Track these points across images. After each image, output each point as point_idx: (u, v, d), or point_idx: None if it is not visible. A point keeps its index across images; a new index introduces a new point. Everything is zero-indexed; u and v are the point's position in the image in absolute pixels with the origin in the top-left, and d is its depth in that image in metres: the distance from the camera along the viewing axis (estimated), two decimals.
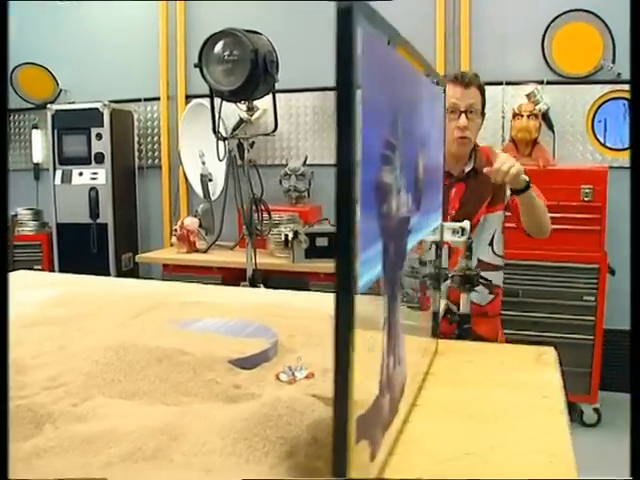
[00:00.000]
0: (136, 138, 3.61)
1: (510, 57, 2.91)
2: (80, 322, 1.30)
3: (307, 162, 3.24)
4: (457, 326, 1.37)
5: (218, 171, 3.19)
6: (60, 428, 0.77)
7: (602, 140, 2.90)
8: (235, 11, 3.32)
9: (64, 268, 3.28)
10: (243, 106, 2.86)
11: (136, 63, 3.59)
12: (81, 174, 3.29)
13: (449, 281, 1.43)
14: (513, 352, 1.19)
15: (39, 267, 3.39)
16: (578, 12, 2.80)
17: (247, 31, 2.43)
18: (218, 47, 2.59)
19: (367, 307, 0.62)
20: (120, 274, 3.34)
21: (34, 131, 3.83)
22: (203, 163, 3.12)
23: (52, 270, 3.37)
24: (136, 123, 3.61)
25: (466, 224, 1.19)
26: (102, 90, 3.52)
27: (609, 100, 2.85)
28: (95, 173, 3.30)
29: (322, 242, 2.79)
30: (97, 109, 3.30)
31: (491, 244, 1.69)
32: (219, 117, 2.73)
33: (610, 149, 2.90)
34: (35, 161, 3.83)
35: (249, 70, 2.26)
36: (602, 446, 2.55)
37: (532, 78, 2.89)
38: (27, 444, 0.73)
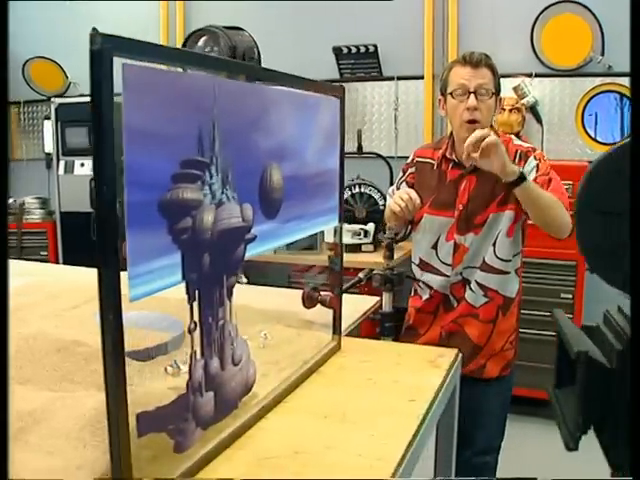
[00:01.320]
0: None
1: (498, 49, 2.85)
2: (25, 311, 1.40)
3: None
4: (379, 324, 1.40)
5: None
6: None
7: (592, 134, 2.83)
8: (235, 5, 3.37)
9: (67, 255, 3.45)
10: None
11: None
12: (83, 165, 3.43)
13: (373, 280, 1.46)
14: (414, 353, 1.21)
15: (45, 253, 3.57)
16: (567, 4, 2.72)
17: (229, 28, 2.47)
18: (199, 45, 2.66)
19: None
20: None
21: (46, 122, 3.99)
22: None
23: (57, 256, 3.55)
24: None
25: (370, 227, 1.22)
26: None
27: (600, 93, 2.77)
28: None
29: None
30: None
31: (494, 245, 1.58)
32: None
33: (600, 143, 2.82)
34: (46, 151, 4.00)
35: None
36: (581, 446, 2.52)
37: (521, 71, 2.84)
38: None
